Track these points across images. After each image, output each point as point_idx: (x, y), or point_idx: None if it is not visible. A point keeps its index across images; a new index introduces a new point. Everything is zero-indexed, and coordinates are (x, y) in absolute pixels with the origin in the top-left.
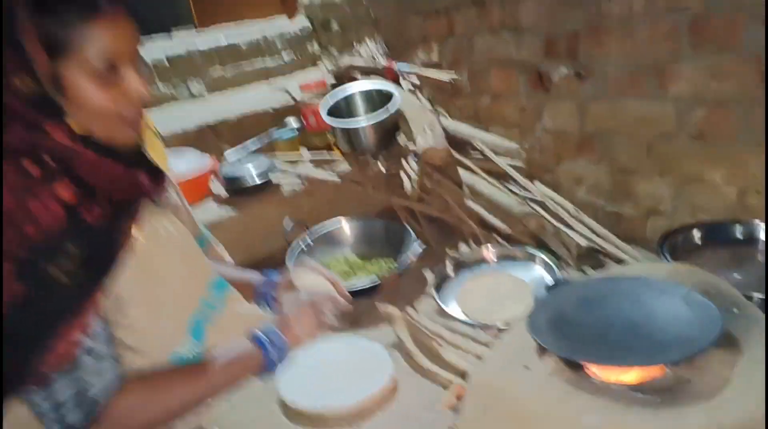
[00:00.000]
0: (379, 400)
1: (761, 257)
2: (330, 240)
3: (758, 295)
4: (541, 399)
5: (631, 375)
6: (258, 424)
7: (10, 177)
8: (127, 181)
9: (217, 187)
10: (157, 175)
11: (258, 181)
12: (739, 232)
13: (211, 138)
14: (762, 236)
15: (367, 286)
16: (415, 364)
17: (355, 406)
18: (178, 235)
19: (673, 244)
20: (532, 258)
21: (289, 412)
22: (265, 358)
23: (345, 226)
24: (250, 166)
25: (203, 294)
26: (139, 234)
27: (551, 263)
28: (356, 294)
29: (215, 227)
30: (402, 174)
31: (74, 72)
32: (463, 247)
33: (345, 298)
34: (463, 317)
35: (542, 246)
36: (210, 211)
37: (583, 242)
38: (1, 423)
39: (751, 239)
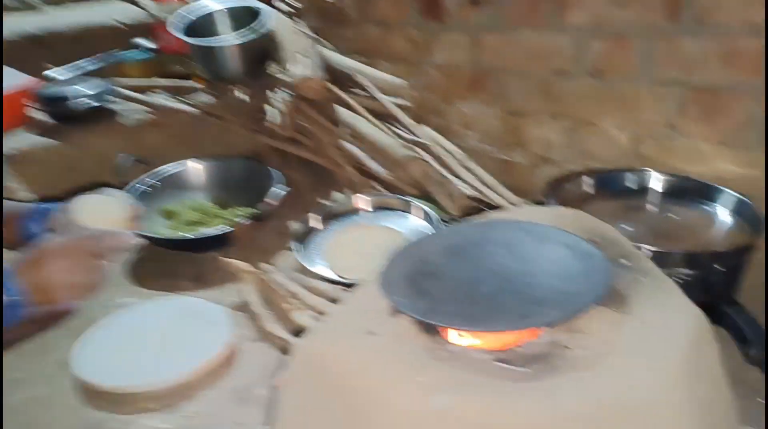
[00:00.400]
0: (209, 375)
1: (652, 208)
2: (179, 182)
3: (649, 248)
4: (382, 374)
5: (498, 340)
6: (46, 406)
7: None
8: None
9: (38, 113)
10: None
11: (88, 104)
12: (631, 181)
13: (36, 53)
14: (654, 185)
15: (214, 236)
16: (261, 330)
17: (173, 382)
18: None
19: (560, 193)
20: (411, 208)
21: (86, 391)
22: None
23: (198, 167)
24: (79, 87)
25: None
26: None
27: (432, 214)
28: (202, 246)
29: (26, 159)
30: (271, 108)
31: None
32: (337, 195)
33: (124, 241)
34: (327, 274)
35: (425, 195)
36: (22, 140)
37: (470, 192)
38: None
39: (643, 190)
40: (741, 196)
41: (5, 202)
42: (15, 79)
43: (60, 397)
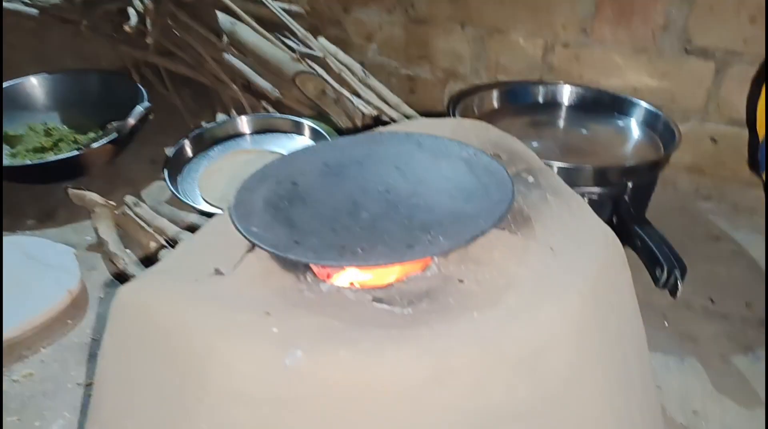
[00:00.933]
0: (47, 329)
1: (562, 122)
2: (23, 102)
3: (558, 164)
4: (226, 325)
5: (378, 277)
6: None
7: None
8: None
9: None
10: None
11: None
12: (540, 94)
13: None
14: (564, 99)
15: (63, 163)
16: (119, 273)
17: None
18: None
19: (466, 108)
20: (300, 129)
21: None
22: None
23: (48, 82)
24: None
25: None
26: None
27: (325, 135)
28: (49, 175)
29: None
30: (133, 11)
31: None
32: (220, 117)
33: None
34: (203, 206)
35: (320, 115)
36: None
37: (370, 111)
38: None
39: (552, 103)
40: (653, 109)
41: None
42: None
43: None
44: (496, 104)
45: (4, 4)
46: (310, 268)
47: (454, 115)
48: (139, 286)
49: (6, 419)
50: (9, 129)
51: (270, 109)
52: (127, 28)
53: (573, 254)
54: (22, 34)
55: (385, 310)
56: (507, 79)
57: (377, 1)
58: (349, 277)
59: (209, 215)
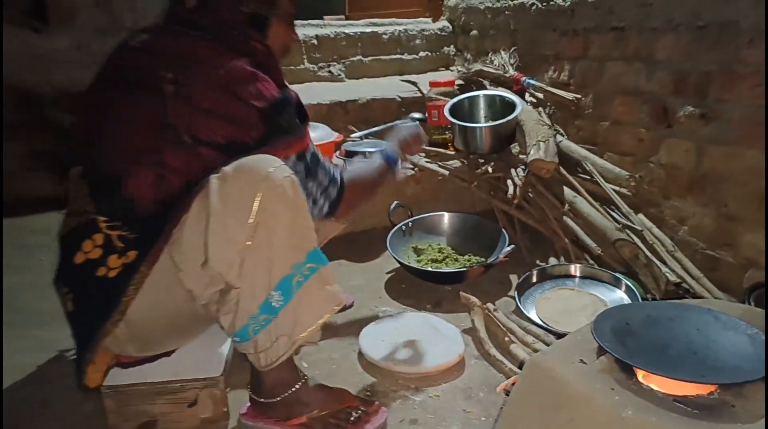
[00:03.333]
0: (445, 373)
1: None
2: (428, 227)
3: None
4: (587, 386)
5: (678, 388)
6: (335, 366)
7: (246, 71)
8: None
9: (338, 161)
10: None
11: None
12: None
13: (339, 115)
14: None
15: (453, 272)
16: (484, 352)
17: (422, 370)
18: None
19: (760, 296)
20: (617, 282)
21: (364, 362)
22: (392, 170)
23: (445, 217)
24: (369, 146)
25: None
26: None
27: (635, 290)
28: (442, 279)
29: None
30: (508, 181)
31: (279, 12)
32: (552, 260)
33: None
34: (537, 321)
35: (630, 274)
36: None
37: (674, 278)
38: (1, 419)
39: None
40: None
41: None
42: (329, 134)
43: (347, 362)
44: None
45: (429, 165)
46: (635, 373)
47: (749, 302)
48: (541, 358)
49: (428, 417)
50: (418, 244)
51: (591, 261)
52: (509, 195)
53: None
54: (435, 183)
55: (682, 408)
56: None
57: (693, 195)
58: (658, 384)
59: (542, 327)
